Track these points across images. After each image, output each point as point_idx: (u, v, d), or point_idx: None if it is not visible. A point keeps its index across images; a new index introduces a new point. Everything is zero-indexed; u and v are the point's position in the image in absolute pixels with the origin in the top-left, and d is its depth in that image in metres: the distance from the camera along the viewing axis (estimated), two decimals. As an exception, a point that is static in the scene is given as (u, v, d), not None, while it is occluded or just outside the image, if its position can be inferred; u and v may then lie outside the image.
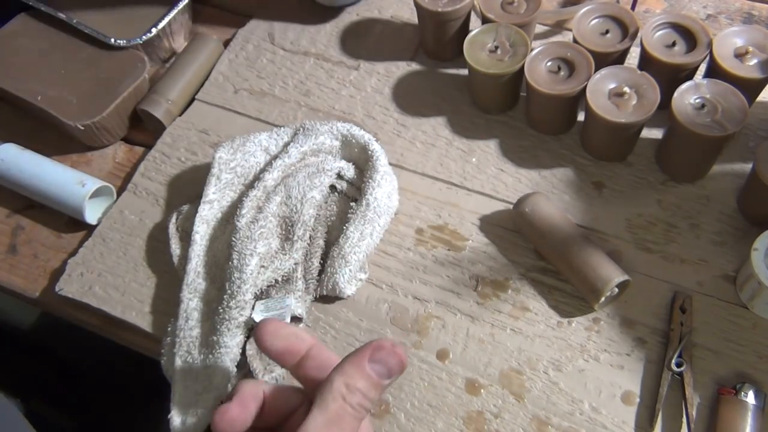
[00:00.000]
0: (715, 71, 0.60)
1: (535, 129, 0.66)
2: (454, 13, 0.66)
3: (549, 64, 0.62)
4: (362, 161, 0.62)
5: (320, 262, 0.58)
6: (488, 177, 0.64)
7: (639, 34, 0.62)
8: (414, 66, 0.72)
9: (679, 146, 0.59)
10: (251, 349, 0.54)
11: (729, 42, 0.60)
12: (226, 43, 0.76)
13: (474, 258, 0.59)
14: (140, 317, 0.59)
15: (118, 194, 0.66)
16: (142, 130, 0.72)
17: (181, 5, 0.74)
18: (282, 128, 0.64)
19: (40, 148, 0.68)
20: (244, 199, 0.59)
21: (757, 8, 0.73)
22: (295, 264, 0.57)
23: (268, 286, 0.56)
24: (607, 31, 0.63)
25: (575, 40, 0.63)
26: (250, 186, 0.60)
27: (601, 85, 0.59)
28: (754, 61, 0.59)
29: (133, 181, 0.67)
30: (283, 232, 0.58)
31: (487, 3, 0.67)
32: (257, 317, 0.53)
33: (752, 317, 0.54)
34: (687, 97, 0.57)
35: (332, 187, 0.61)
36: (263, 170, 0.61)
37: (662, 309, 0.55)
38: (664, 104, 0.57)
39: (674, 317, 0.54)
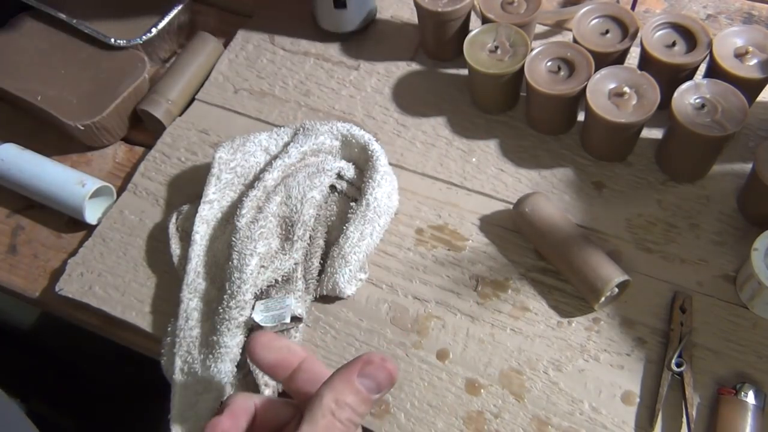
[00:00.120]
0: (715, 71, 0.60)
1: (535, 129, 0.66)
2: (454, 13, 0.66)
3: (549, 64, 0.62)
4: (362, 161, 0.62)
5: (320, 262, 0.58)
6: (488, 177, 0.64)
7: (639, 34, 0.62)
8: (414, 66, 0.72)
9: (679, 146, 0.59)
10: (251, 349, 0.54)
11: (729, 42, 0.60)
12: (226, 43, 0.76)
13: (474, 258, 0.59)
14: (140, 317, 0.59)
15: (118, 194, 0.66)
16: (142, 130, 0.72)
17: (181, 5, 0.74)
18: (282, 128, 0.64)
19: (40, 148, 0.68)
20: (244, 199, 0.59)
21: (757, 8, 0.73)
22: (295, 264, 0.57)
23: (268, 286, 0.56)
24: (607, 31, 0.63)
25: (575, 40, 0.63)
26: (250, 186, 0.60)
27: (601, 85, 0.59)
28: (754, 61, 0.59)
29: (133, 181, 0.67)
30: (283, 232, 0.58)
31: (487, 3, 0.67)
32: (257, 317, 0.53)
33: (752, 317, 0.54)
34: (687, 97, 0.57)
35: (332, 187, 0.61)
36: (263, 170, 0.61)
37: (662, 309, 0.55)
38: (664, 104, 0.57)
39: (674, 317, 0.54)
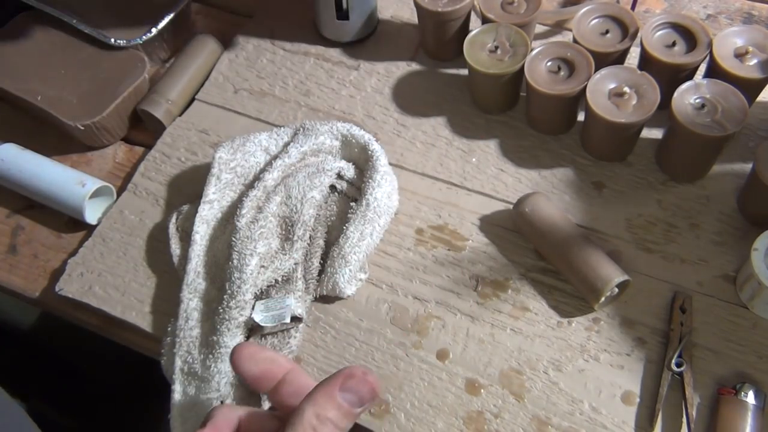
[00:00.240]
0: (715, 71, 0.60)
1: (535, 129, 0.66)
2: (454, 13, 0.66)
3: (549, 64, 0.62)
4: (362, 161, 0.62)
5: (320, 262, 0.58)
6: (488, 177, 0.64)
7: (639, 34, 0.62)
8: (414, 66, 0.72)
9: (679, 146, 0.59)
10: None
11: (729, 42, 0.60)
12: (226, 43, 0.76)
13: (474, 258, 0.59)
14: (140, 317, 0.59)
15: (118, 194, 0.66)
16: (142, 130, 0.72)
17: (181, 5, 0.74)
18: (282, 128, 0.64)
19: (40, 148, 0.68)
20: (244, 199, 0.59)
21: (757, 8, 0.73)
22: (295, 264, 0.57)
23: (268, 286, 0.56)
24: (607, 31, 0.63)
25: (575, 40, 0.63)
26: (250, 186, 0.60)
27: (601, 85, 0.59)
28: (754, 61, 0.59)
29: (133, 181, 0.67)
30: (283, 232, 0.58)
31: (487, 3, 0.67)
32: (257, 317, 0.53)
33: (752, 317, 0.54)
34: (687, 97, 0.57)
35: (332, 187, 0.61)
36: (263, 170, 0.61)
37: (662, 309, 0.55)
38: (664, 104, 0.57)
39: (674, 317, 0.54)
